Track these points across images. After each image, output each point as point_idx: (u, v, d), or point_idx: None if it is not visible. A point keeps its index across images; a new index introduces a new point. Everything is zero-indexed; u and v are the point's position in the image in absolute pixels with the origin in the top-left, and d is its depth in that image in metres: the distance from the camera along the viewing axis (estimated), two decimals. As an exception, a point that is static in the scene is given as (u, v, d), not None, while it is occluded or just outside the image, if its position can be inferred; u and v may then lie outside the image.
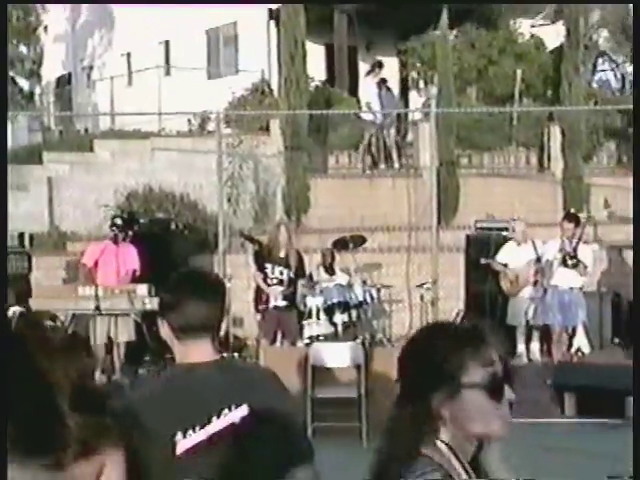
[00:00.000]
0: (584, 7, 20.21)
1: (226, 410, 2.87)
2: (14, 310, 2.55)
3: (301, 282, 12.26)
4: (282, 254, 12.27)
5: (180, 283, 3.12)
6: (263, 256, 12.42)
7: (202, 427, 2.85)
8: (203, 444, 2.84)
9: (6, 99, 18.21)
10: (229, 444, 2.85)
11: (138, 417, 2.82)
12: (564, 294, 12.47)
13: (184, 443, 2.83)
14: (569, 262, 12.36)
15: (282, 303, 11.99)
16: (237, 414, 2.87)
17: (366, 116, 19.17)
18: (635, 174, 8.39)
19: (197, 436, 2.84)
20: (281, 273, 12.09)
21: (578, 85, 19.13)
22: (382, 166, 18.95)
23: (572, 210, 14.92)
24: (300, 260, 12.48)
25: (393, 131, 19.53)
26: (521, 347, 12.98)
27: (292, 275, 12.17)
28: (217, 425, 2.86)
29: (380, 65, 20.08)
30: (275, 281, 12.06)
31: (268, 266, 12.16)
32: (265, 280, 12.13)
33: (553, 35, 21.75)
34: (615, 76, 27.87)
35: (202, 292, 3.05)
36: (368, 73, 20.49)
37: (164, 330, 3.07)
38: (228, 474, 2.83)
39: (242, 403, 2.89)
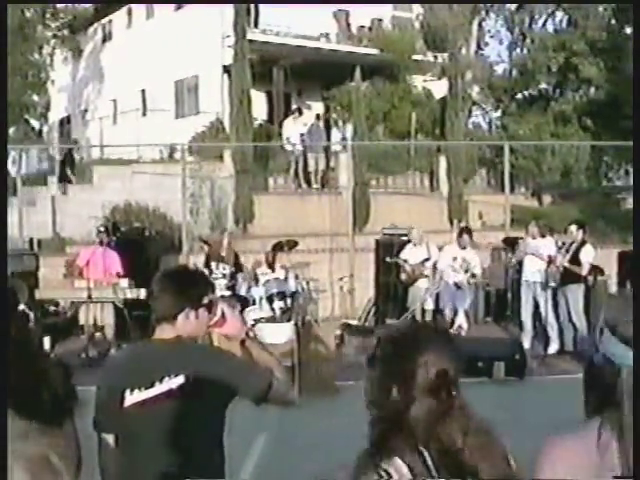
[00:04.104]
0: (462, 68, 20.40)
1: (167, 378, 2.88)
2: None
3: (245, 276, 12.20)
4: (224, 254, 12.22)
5: (151, 284, 3.05)
6: (209, 256, 12.36)
7: (147, 388, 2.89)
8: (146, 401, 2.89)
9: (6, 100, 17.54)
10: (166, 405, 2.88)
11: (106, 375, 3.07)
12: (455, 285, 12.53)
13: (130, 398, 2.90)
14: (464, 267, 12.46)
15: (227, 293, 11.90)
16: (175, 382, 2.88)
17: (287, 147, 19.05)
18: (635, 173, 8.18)
19: (141, 394, 2.90)
20: (224, 269, 12.03)
21: (458, 126, 19.15)
22: (314, 186, 18.83)
23: (464, 224, 15.12)
24: (237, 259, 12.44)
25: (322, 156, 19.34)
26: None
27: (232, 270, 12.12)
28: (158, 389, 2.89)
29: (300, 111, 19.95)
30: (219, 275, 11.96)
31: (213, 264, 12.08)
32: (210, 275, 12.04)
33: (439, 88, 21.87)
34: (484, 120, 28.17)
35: (159, 291, 3.04)
36: (287, 116, 20.32)
37: None
38: (163, 429, 2.87)
39: (180, 374, 2.87)
